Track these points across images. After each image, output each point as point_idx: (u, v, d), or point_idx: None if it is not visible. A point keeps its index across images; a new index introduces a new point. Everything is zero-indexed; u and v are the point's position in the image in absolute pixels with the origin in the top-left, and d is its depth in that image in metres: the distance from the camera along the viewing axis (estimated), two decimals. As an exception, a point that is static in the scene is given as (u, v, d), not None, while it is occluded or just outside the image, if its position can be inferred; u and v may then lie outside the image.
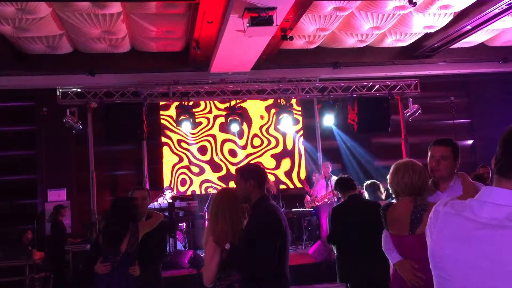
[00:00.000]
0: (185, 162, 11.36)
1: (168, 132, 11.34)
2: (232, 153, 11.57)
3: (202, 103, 11.36)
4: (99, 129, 9.67)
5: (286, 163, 11.76)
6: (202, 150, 11.47)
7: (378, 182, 5.81)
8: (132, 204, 4.15)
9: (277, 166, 11.69)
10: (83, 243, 8.70)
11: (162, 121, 11.36)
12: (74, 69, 10.34)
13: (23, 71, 10.22)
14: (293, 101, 11.20)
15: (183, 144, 11.38)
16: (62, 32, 9.06)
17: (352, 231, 4.55)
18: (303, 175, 11.68)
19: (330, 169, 9.59)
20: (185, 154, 11.38)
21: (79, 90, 9.62)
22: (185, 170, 11.34)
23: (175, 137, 11.35)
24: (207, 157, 11.45)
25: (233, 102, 10.50)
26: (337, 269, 4.81)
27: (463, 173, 2.82)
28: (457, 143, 3.01)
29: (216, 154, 11.47)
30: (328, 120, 10.38)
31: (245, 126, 11.33)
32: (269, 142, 11.79)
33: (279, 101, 10.53)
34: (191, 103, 10.02)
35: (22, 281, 7.93)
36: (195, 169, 11.36)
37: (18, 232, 8.95)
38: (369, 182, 5.83)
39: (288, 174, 11.74)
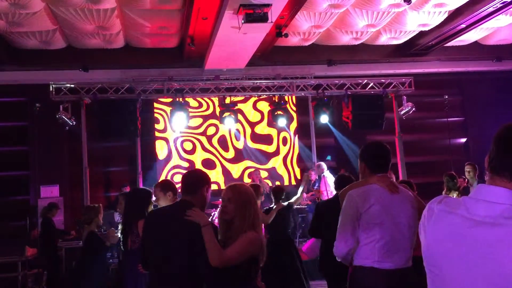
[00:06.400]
0: (178, 159, 11.31)
1: (161, 129, 11.30)
2: (225, 148, 11.55)
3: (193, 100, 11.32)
4: (93, 125, 9.61)
5: (279, 161, 11.75)
6: (194, 146, 11.44)
7: None
8: (130, 200, 4.19)
9: (271, 164, 11.67)
10: (76, 239, 8.64)
11: (156, 115, 11.32)
12: (68, 64, 10.26)
13: (16, 67, 10.14)
14: (293, 98, 11.22)
15: (177, 141, 11.34)
16: (55, 27, 8.99)
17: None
18: (297, 173, 11.67)
19: (324, 169, 9.60)
20: (177, 151, 11.34)
21: (72, 85, 9.54)
22: (178, 169, 11.28)
23: (168, 133, 11.29)
24: (197, 153, 11.42)
25: (227, 100, 10.46)
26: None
27: (374, 176, 3.02)
28: (366, 147, 3.24)
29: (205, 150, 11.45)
30: (323, 117, 10.38)
31: (240, 123, 11.30)
32: (263, 139, 11.75)
33: (273, 98, 10.51)
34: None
35: (15, 277, 7.89)
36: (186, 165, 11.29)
37: (11, 228, 8.89)
38: None
39: (282, 171, 11.73)
